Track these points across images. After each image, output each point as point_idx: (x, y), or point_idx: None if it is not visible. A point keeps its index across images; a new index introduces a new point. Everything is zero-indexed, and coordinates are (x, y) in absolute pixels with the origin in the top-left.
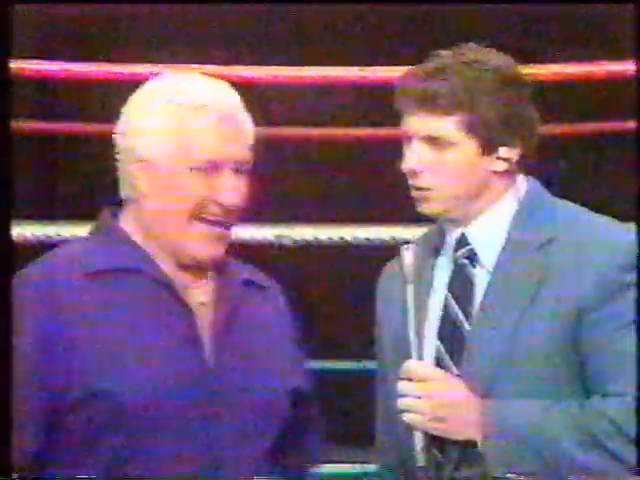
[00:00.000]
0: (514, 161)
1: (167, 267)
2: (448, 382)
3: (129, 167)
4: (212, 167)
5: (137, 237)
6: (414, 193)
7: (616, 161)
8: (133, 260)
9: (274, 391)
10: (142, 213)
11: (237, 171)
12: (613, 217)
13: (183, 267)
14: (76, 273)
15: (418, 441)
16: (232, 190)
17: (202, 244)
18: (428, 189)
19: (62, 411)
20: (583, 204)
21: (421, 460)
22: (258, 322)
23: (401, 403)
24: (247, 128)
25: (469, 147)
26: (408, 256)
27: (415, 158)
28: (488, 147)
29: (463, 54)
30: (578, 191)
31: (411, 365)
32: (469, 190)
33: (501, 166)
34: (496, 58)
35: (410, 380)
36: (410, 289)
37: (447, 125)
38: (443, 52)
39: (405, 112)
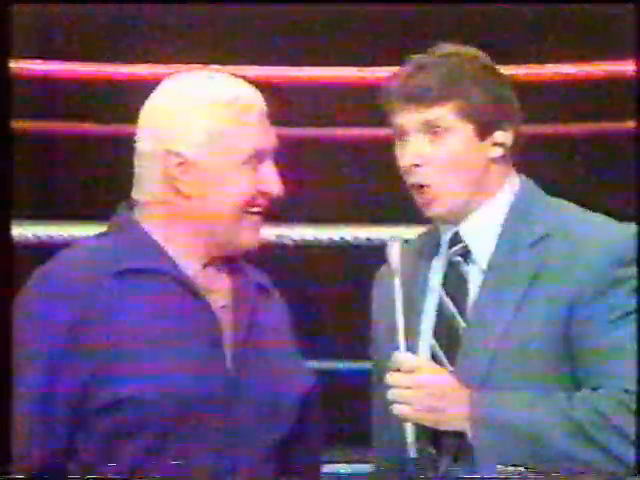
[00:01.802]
0: (509, 146)
1: (189, 269)
2: (436, 372)
3: (168, 170)
4: (258, 157)
5: (157, 237)
6: (416, 195)
7: (616, 161)
8: (158, 261)
9: (287, 394)
10: (177, 213)
11: (274, 159)
12: (613, 217)
13: (205, 267)
14: (101, 273)
15: (409, 432)
16: (276, 179)
17: (251, 234)
18: (428, 185)
19: (85, 415)
20: (582, 204)
21: (413, 452)
22: (270, 326)
23: (390, 394)
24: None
25: (466, 132)
26: (395, 249)
27: (414, 152)
28: (484, 130)
29: (439, 50)
30: (577, 191)
31: (399, 356)
32: (468, 180)
33: (498, 151)
34: (471, 50)
35: (399, 371)
36: (397, 281)
37: (443, 112)
38: (420, 54)
39: (397, 110)
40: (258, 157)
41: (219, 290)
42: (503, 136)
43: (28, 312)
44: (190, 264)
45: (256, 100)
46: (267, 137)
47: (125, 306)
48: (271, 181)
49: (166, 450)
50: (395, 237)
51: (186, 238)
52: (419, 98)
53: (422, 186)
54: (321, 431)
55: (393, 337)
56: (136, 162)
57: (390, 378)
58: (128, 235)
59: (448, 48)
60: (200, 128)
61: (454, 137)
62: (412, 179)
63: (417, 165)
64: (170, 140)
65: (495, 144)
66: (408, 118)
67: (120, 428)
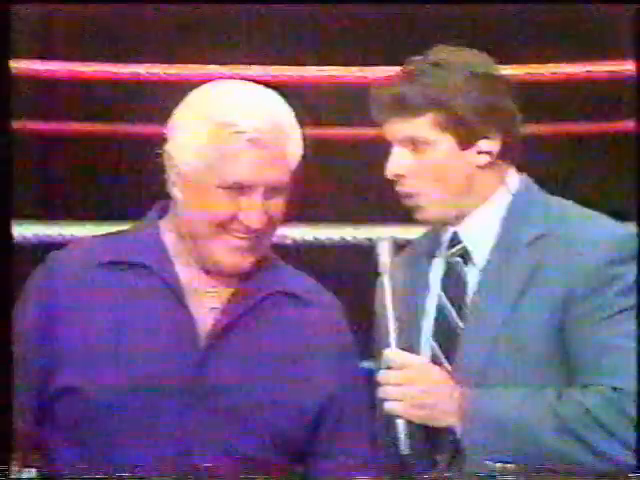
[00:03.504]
0: (496, 153)
1: (188, 269)
2: (427, 369)
3: (170, 172)
4: (240, 189)
5: (169, 236)
6: (404, 202)
7: (616, 161)
8: (146, 256)
9: (271, 404)
10: (177, 214)
11: (269, 193)
12: (613, 217)
13: (206, 271)
14: (88, 263)
15: (401, 429)
16: (256, 214)
17: (227, 254)
18: (414, 195)
19: (45, 398)
20: (582, 204)
21: (405, 449)
22: (274, 333)
23: (381, 392)
24: (289, 151)
25: (447, 144)
26: (383, 249)
27: (396, 163)
28: (466, 141)
29: (431, 56)
30: (577, 191)
31: (390, 354)
32: (455, 189)
33: (483, 159)
34: (465, 55)
35: (389, 368)
36: (386, 279)
37: (421, 126)
38: (414, 58)
39: (380, 120)
40: (241, 188)
41: (217, 292)
42: (488, 144)
43: (23, 289)
44: (190, 266)
45: (260, 131)
46: (261, 173)
47: (100, 297)
48: (249, 213)
49: (119, 441)
50: (384, 236)
51: (185, 241)
52: (399, 110)
53: (406, 194)
54: (355, 447)
55: (386, 335)
56: None
57: (380, 375)
58: (141, 231)
59: (441, 53)
60: (189, 141)
61: (435, 149)
62: (398, 188)
63: (402, 175)
64: (173, 144)
65: (480, 152)
66: (391, 129)
67: (72, 416)
